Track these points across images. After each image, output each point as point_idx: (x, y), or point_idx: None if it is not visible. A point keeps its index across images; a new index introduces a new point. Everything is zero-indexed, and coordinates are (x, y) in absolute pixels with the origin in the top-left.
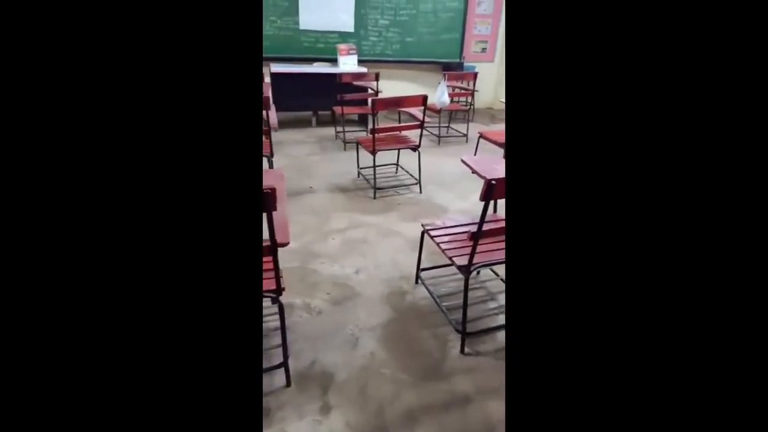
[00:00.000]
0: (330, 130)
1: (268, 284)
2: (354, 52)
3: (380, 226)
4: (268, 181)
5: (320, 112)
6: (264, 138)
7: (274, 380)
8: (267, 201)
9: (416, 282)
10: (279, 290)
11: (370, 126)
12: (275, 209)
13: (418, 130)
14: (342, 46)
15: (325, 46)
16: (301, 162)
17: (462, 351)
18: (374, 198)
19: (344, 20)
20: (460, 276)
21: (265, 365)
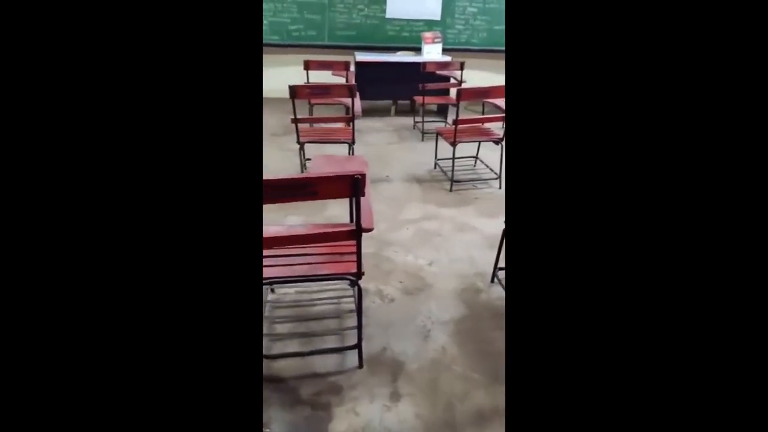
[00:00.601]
0: (408, 120)
1: (349, 267)
2: (439, 40)
3: (455, 220)
4: (353, 167)
5: (399, 102)
6: (347, 125)
7: (346, 360)
8: (357, 186)
9: (492, 281)
10: (359, 274)
11: (449, 117)
12: (363, 194)
13: (502, 123)
14: (427, 35)
15: (409, 34)
16: (379, 150)
17: None
18: (450, 191)
19: (431, 8)
20: None
21: (338, 345)
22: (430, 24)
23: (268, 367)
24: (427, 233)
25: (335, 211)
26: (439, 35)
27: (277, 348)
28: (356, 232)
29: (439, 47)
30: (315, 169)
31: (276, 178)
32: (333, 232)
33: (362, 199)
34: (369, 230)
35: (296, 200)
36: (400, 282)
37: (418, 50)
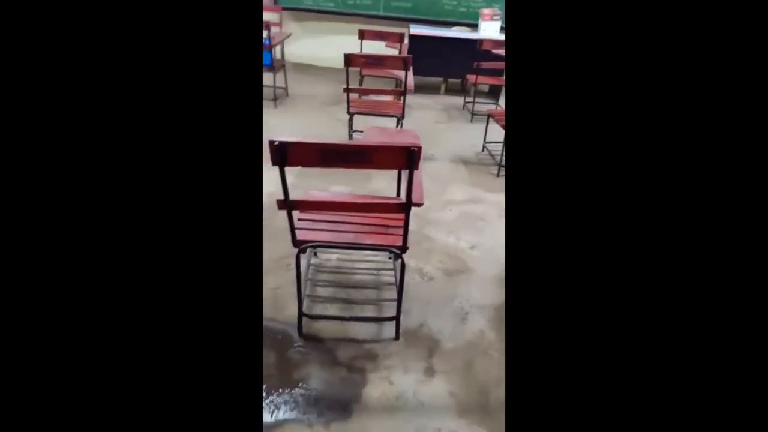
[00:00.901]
0: (457, 99)
1: (395, 240)
2: (498, 17)
3: (501, 205)
4: (406, 139)
5: (450, 80)
6: (397, 99)
7: (383, 330)
8: (412, 158)
9: None
10: (404, 248)
11: (501, 99)
12: (417, 168)
13: None
14: (486, 11)
15: (466, 10)
16: (426, 128)
17: None
18: (498, 175)
19: None
20: None
21: (377, 314)
22: (489, 0)
23: (309, 326)
24: (470, 216)
25: (380, 185)
26: (498, 12)
27: (318, 309)
28: (406, 205)
29: (497, 25)
30: (368, 139)
31: (333, 142)
32: (383, 203)
33: (414, 172)
34: (419, 205)
35: (350, 167)
36: (441, 262)
37: (474, 27)
